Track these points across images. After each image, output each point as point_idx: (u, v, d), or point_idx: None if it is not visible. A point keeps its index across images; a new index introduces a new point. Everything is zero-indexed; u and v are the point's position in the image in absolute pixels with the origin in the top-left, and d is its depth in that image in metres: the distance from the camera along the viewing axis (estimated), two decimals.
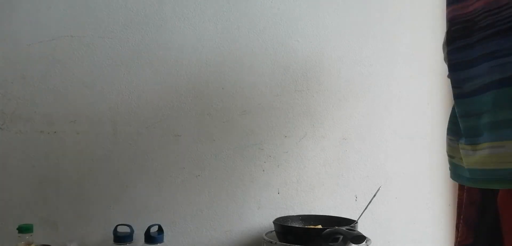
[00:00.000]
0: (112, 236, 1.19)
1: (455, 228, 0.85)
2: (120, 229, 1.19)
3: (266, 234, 1.26)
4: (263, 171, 1.39)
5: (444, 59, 0.80)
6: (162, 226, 1.22)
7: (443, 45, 0.80)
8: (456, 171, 0.82)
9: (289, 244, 1.16)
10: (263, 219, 1.38)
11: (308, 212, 1.41)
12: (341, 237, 1.13)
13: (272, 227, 1.29)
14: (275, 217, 1.33)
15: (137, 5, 1.32)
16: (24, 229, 1.09)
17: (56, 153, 1.25)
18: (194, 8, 1.36)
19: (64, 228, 1.24)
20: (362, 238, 1.11)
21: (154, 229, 1.20)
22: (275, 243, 1.19)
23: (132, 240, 1.19)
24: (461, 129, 0.77)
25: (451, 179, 0.85)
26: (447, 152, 0.84)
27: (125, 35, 1.31)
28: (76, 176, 1.26)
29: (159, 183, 1.31)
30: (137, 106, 1.31)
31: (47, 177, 1.24)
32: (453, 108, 0.80)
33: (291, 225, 1.32)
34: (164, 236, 1.21)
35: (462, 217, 0.78)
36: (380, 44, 1.51)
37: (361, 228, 1.25)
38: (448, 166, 0.85)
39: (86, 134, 1.27)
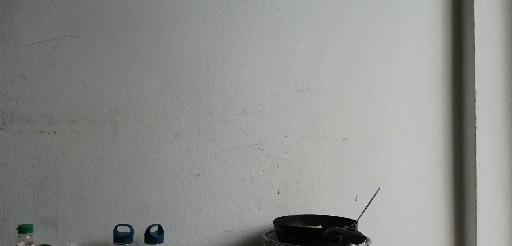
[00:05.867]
0: (112, 236, 1.19)
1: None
2: (120, 229, 1.19)
3: (266, 234, 1.26)
4: (263, 171, 1.39)
5: None
6: (162, 226, 1.22)
7: None
8: None
9: (289, 244, 1.16)
10: (263, 219, 1.38)
11: (308, 212, 1.41)
12: (341, 237, 1.13)
13: (272, 227, 1.29)
14: (275, 217, 1.33)
15: (137, 5, 1.32)
16: (24, 229, 1.09)
17: (56, 153, 1.25)
18: (194, 8, 1.36)
19: (64, 228, 1.24)
20: (362, 238, 1.11)
21: (154, 229, 1.20)
22: (275, 243, 1.19)
23: (132, 240, 1.19)
24: None
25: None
26: None
27: (125, 35, 1.31)
28: (76, 176, 1.26)
29: (159, 183, 1.31)
30: (137, 106, 1.31)
31: (47, 177, 1.24)
32: None
33: (291, 225, 1.32)
34: (164, 236, 1.21)
35: None
36: (380, 44, 1.51)
37: (361, 228, 1.25)
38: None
39: (86, 134, 1.27)
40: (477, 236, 1.49)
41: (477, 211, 1.49)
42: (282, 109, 1.41)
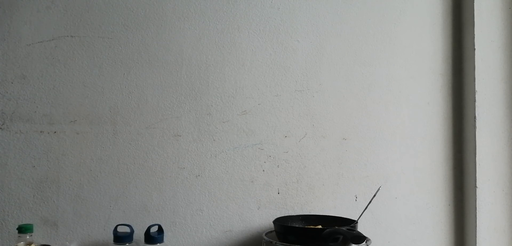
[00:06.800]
0: (112, 236, 1.19)
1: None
2: (120, 229, 1.19)
3: (266, 234, 1.26)
4: (263, 171, 1.39)
5: None
6: (162, 226, 1.22)
7: None
8: None
9: (289, 244, 1.16)
10: (263, 219, 1.38)
11: (308, 212, 1.41)
12: (341, 237, 1.13)
13: (272, 227, 1.29)
14: (275, 217, 1.33)
15: (137, 5, 1.32)
16: (24, 229, 1.09)
17: (56, 153, 1.25)
18: (194, 8, 1.36)
19: (64, 228, 1.24)
20: (362, 238, 1.11)
21: (154, 229, 1.20)
22: (275, 243, 1.19)
23: (132, 240, 1.19)
24: None
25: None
26: None
27: (125, 35, 1.31)
28: (76, 176, 1.26)
29: (159, 183, 1.31)
30: (137, 106, 1.31)
31: (47, 177, 1.24)
32: None
33: (291, 225, 1.32)
34: (164, 236, 1.21)
35: None
36: (380, 44, 1.51)
37: (361, 228, 1.25)
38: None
39: (86, 134, 1.27)
40: (477, 236, 1.49)
41: (477, 211, 1.49)
42: (282, 109, 1.41)
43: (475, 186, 1.50)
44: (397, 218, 1.49)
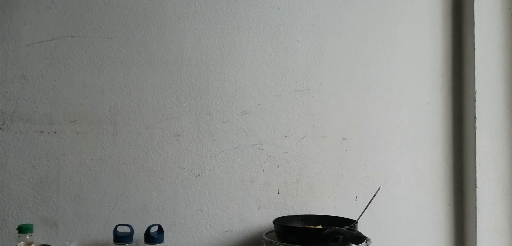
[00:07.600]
0: (112, 236, 1.19)
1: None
2: (120, 229, 1.19)
3: (266, 234, 1.26)
4: (263, 171, 1.39)
5: None
6: (162, 226, 1.22)
7: None
8: None
9: (289, 244, 1.16)
10: (263, 219, 1.38)
11: (308, 212, 1.41)
12: (341, 237, 1.13)
13: (272, 227, 1.29)
14: (275, 217, 1.33)
15: (137, 5, 1.32)
16: (24, 229, 1.09)
17: (56, 153, 1.25)
18: (194, 8, 1.36)
19: (64, 228, 1.24)
20: (362, 238, 1.11)
21: (154, 229, 1.20)
22: (275, 243, 1.19)
23: (132, 240, 1.19)
24: None
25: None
26: None
27: (125, 35, 1.31)
28: (76, 176, 1.26)
29: (159, 183, 1.31)
30: (137, 106, 1.31)
31: (47, 177, 1.24)
32: None
33: (291, 225, 1.32)
34: (164, 236, 1.21)
35: None
36: (380, 44, 1.51)
37: (361, 228, 1.25)
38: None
39: (86, 134, 1.27)
40: (477, 236, 1.49)
41: (477, 211, 1.49)
42: (282, 109, 1.41)
43: (475, 186, 1.50)
44: (397, 218, 1.49)
